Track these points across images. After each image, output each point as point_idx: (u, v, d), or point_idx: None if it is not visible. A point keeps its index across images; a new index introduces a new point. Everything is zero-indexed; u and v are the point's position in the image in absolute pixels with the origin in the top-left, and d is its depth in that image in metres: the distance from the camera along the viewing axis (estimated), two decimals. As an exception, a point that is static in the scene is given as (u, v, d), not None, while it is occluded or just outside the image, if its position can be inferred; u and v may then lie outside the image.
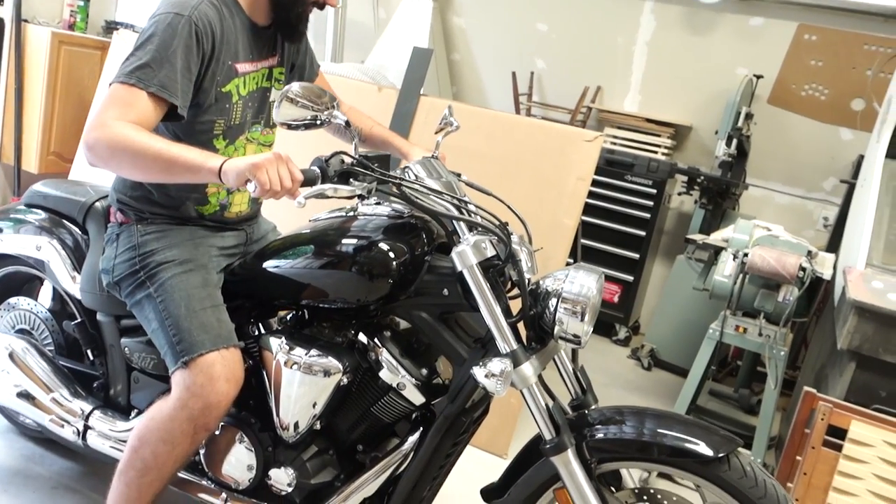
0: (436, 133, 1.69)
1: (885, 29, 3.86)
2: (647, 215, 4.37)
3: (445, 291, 1.43)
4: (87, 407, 1.83)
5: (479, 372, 1.30)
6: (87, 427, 1.83)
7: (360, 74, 3.82)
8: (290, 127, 1.34)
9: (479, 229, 1.39)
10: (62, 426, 1.86)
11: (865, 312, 1.85)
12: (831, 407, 1.79)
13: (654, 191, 4.35)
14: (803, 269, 2.22)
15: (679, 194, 4.56)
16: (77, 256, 1.83)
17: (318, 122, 1.34)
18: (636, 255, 4.43)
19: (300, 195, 1.30)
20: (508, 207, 1.46)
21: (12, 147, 4.02)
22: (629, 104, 4.83)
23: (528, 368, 1.31)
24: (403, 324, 1.58)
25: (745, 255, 2.27)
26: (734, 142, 4.07)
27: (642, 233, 4.41)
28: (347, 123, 1.37)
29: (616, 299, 4.47)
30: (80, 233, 1.86)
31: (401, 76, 3.09)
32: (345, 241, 1.51)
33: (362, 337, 1.52)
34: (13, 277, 2.08)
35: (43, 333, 2.02)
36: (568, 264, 2.88)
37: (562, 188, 2.63)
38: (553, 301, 1.33)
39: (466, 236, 1.38)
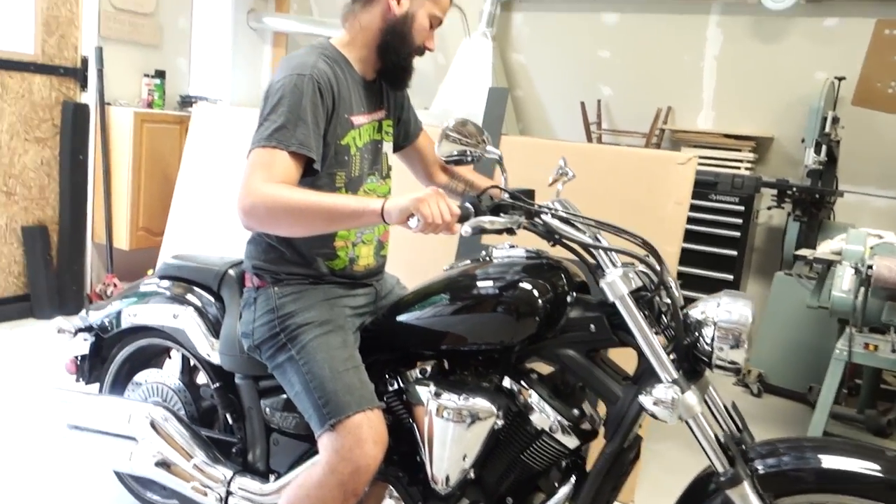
0: (550, 184, 1.75)
1: (973, 15, 3.80)
2: (737, 233, 4.34)
3: (592, 327, 1.48)
4: (228, 472, 1.91)
5: (646, 400, 1.33)
6: (228, 493, 1.91)
7: (431, 120, 3.96)
8: (448, 162, 1.50)
9: (623, 262, 1.45)
10: (205, 493, 1.95)
11: None
12: None
13: (742, 207, 4.32)
14: (938, 277, 2.19)
15: (769, 208, 4.51)
16: (214, 322, 1.95)
17: (471, 157, 1.48)
18: (730, 277, 4.38)
19: (461, 228, 1.41)
20: (644, 242, 1.51)
21: (104, 226, 4.28)
22: (703, 121, 4.84)
23: (691, 397, 1.34)
24: (542, 368, 1.63)
25: (869, 267, 2.24)
26: (823, 148, 4.03)
27: (734, 252, 4.36)
28: (500, 158, 1.47)
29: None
30: (214, 300, 1.99)
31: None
32: (485, 283, 1.58)
33: (507, 382, 1.57)
34: (143, 352, 2.22)
35: (175, 404, 2.14)
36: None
37: (659, 215, 2.65)
38: (708, 329, 1.36)
39: (610, 268, 1.43)
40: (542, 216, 1.47)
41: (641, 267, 1.47)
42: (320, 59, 1.63)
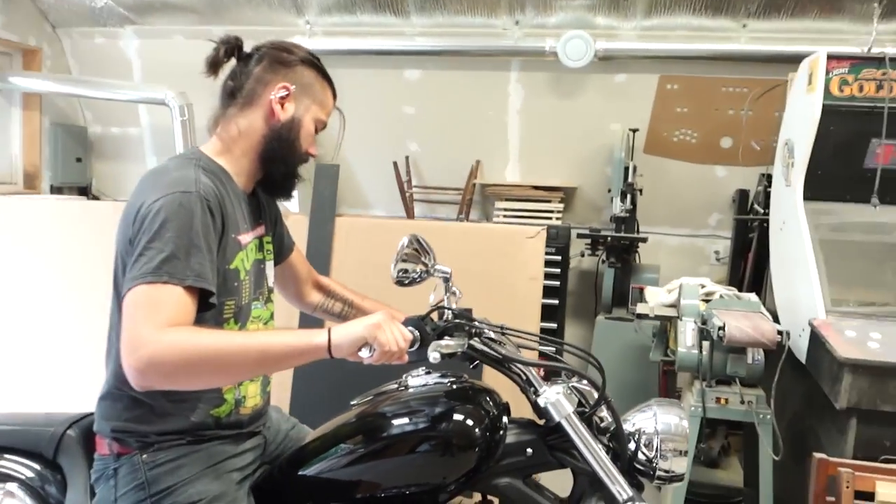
0: (433, 305, 1.67)
1: (738, 70, 4.47)
2: (557, 283, 4.65)
3: (529, 451, 1.48)
4: None
5: None
6: None
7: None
8: (400, 283, 1.54)
9: (559, 378, 1.49)
10: None
11: (859, 368, 2.14)
12: (852, 472, 2.01)
13: (559, 257, 4.65)
14: (780, 333, 2.50)
15: (582, 255, 4.90)
16: (54, 501, 1.65)
17: (419, 276, 1.54)
18: (554, 325, 4.67)
19: (431, 355, 1.39)
20: (588, 353, 1.55)
21: None
22: (511, 174, 5.15)
23: None
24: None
25: (720, 328, 2.51)
26: (628, 197, 4.50)
27: (555, 301, 4.66)
28: (450, 276, 1.52)
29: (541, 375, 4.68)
30: (49, 472, 1.69)
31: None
32: (410, 418, 1.52)
33: (443, 524, 1.52)
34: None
35: None
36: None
37: (514, 292, 2.76)
38: (650, 441, 1.44)
39: (544, 387, 1.46)
40: (483, 336, 1.47)
41: (573, 381, 1.51)
42: (201, 173, 1.48)
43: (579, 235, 4.61)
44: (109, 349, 1.55)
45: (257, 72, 1.61)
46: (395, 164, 4.95)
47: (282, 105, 1.59)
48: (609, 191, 4.67)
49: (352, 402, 1.63)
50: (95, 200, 5.39)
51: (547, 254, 4.59)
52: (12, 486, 1.66)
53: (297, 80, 1.62)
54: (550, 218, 4.91)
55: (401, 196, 4.92)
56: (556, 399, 1.43)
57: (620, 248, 4.53)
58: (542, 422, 1.51)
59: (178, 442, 1.52)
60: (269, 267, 1.72)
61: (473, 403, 1.50)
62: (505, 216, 4.95)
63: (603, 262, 4.67)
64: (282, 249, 1.84)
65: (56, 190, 5.16)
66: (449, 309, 1.52)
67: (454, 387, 1.55)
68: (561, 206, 4.95)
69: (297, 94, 1.61)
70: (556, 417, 1.43)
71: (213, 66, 1.61)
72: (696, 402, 2.69)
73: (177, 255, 1.36)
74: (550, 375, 1.58)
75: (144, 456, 1.50)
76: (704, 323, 2.75)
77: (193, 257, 1.37)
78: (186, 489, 1.48)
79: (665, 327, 3.26)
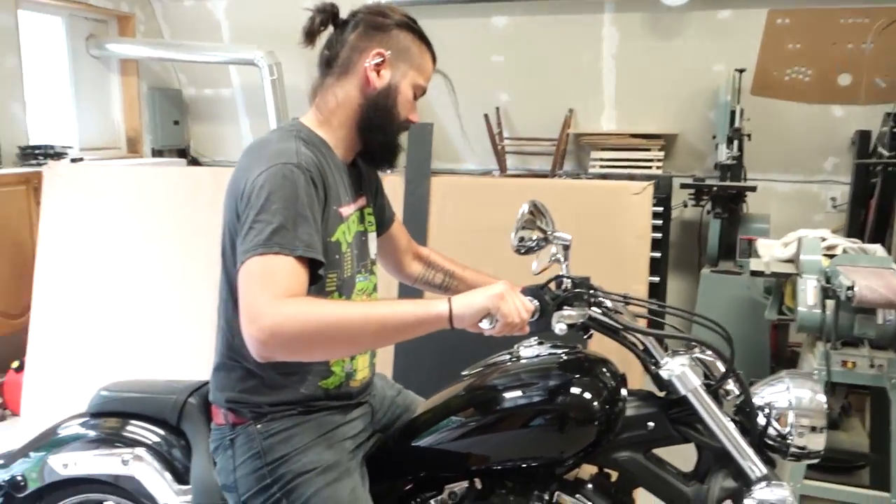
0: (537, 273, 1.62)
1: None
2: (660, 235, 4.51)
3: (650, 424, 1.44)
4: None
5: None
6: None
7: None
8: (520, 251, 1.53)
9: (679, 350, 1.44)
10: None
11: None
12: None
13: (661, 208, 4.51)
14: (917, 290, 2.34)
15: (685, 205, 4.72)
16: (179, 466, 1.73)
17: (536, 245, 1.52)
18: (657, 279, 4.55)
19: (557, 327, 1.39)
20: (716, 324, 1.49)
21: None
22: (606, 122, 4.99)
23: (788, 495, 1.33)
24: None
25: (849, 288, 2.36)
26: (735, 143, 4.28)
27: (657, 254, 4.53)
28: (569, 243, 1.53)
29: (645, 331, 4.59)
30: (174, 437, 1.77)
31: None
32: (525, 391, 1.49)
33: (561, 498, 1.50)
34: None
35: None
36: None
37: (620, 252, 2.63)
38: (782, 416, 1.37)
39: (666, 358, 1.41)
40: (603, 306, 1.43)
41: (696, 352, 1.45)
42: (301, 144, 1.47)
43: (682, 186, 4.43)
44: (219, 321, 1.58)
45: (352, 39, 1.56)
46: (485, 115, 4.87)
47: (377, 72, 1.55)
48: (713, 137, 4.45)
49: (462, 373, 1.61)
50: (195, 164, 5.57)
51: (649, 205, 4.51)
52: (140, 451, 1.73)
53: (393, 45, 1.56)
54: (650, 167, 4.76)
55: (493, 148, 4.86)
56: (682, 372, 1.37)
57: (727, 198, 4.33)
58: (662, 394, 1.46)
59: (290, 412, 1.54)
60: (372, 238, 1.71)
61: (590, 375, 1.46)
62: (601, 166, 4.82)
63: (708, 212, 4.48)
64: (383, 220, 1.82)
65: (157, 153, 5.35)
66: (568, 277, 1.47)
67: (569, 358, 1.51)
68: (661, 154, 4.77)
69: (392, 60, 1.56)
70: (682, 391, 1.37)
71: (310, 35, 1.57)
72: (819, 365, 2.56)
73: (285, 226, 1.35)
74: (667, 345, 1.52)
75: (259, 426, 1.53)
76: (829, 281, 2.60)
77: (301, 227, 1.37)
78: (300, 458, 1.51)
79: (780, 284, 3.11)
